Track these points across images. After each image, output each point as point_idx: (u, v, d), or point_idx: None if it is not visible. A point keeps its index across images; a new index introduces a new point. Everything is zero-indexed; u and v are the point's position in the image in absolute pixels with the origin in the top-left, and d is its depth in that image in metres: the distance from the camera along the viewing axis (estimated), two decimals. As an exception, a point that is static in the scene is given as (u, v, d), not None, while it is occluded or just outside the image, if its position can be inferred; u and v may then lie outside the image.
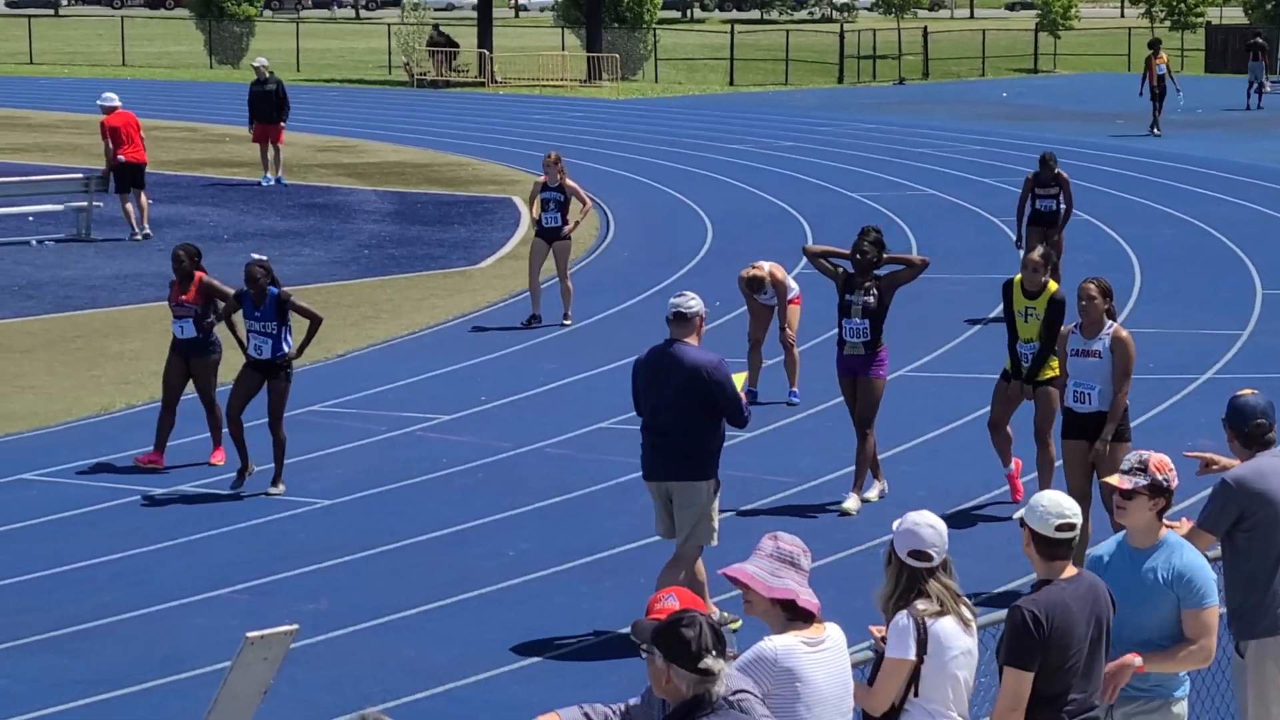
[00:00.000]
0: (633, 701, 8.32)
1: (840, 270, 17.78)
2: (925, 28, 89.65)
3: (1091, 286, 15.21)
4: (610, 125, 56.41)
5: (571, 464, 19.35)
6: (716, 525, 14.19)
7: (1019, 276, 17.19)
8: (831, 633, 8.41)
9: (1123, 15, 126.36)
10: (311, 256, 32.78)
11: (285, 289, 18.50)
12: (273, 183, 41.94)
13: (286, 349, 18.27)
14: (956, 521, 16.62)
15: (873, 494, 17.83)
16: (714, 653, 7.25)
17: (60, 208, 35.29)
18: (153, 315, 26.24)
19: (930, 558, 8.77)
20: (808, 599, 8.31)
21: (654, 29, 79.53)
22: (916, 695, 8.76)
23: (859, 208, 38.29)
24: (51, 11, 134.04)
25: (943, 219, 36.70)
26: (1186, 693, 9.77)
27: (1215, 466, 11.06)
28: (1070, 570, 8.98)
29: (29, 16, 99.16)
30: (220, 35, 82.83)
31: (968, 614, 8.84)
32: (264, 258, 18.65)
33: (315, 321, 18.47)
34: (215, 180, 43.33)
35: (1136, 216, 37.25)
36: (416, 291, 29.45)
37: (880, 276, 17.58)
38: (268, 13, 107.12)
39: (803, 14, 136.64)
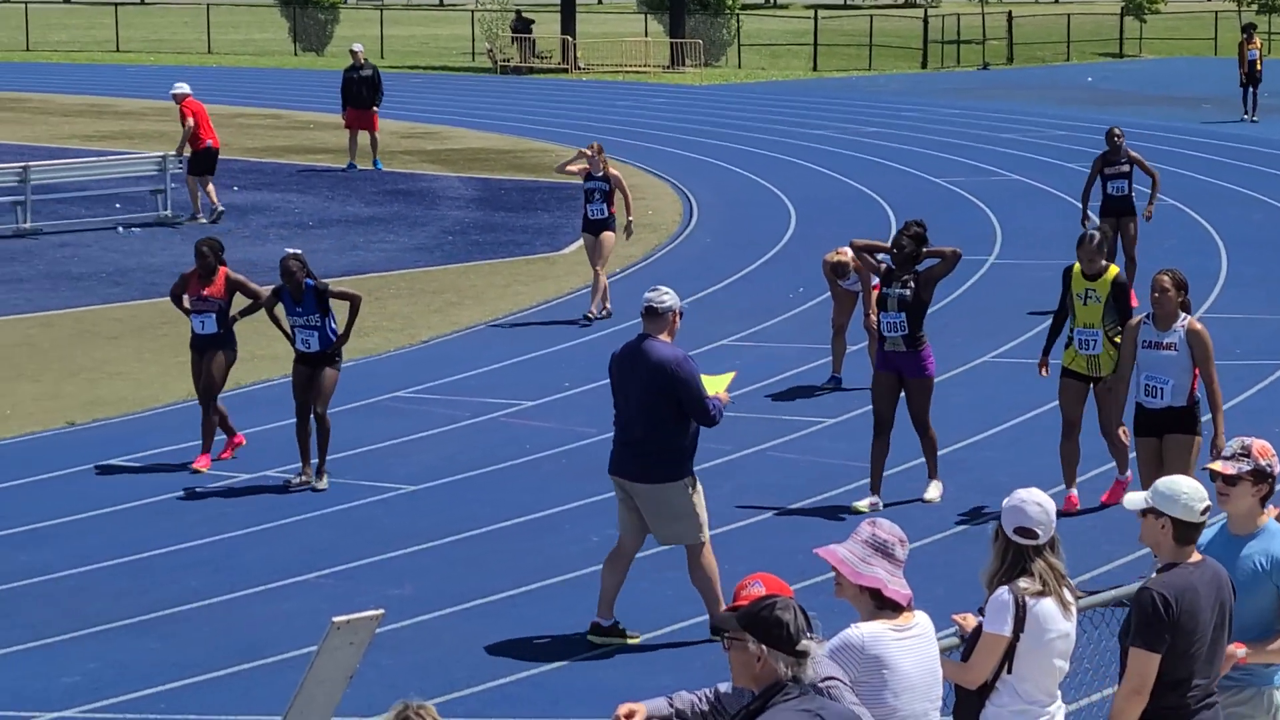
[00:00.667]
0: (723, 687, 8.30)
1: (882, 265, 17.60)
2: (1010, 12, 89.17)
3: (1165, 279, 14.95)
4: (693, 111, 56.36)
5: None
6: (703, 520, 13.88)
7: (1078, 265, 16.87)
8: (920, 620, 8.38)
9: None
10: (396, 243, 32.87)
11: (322, 279, 18.32)
12: (355, 169, 42.26)
13: (334, 338, 18.10)
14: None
15: (933, 493, 17.42)
16: (808, 633, 7.24)
17: (138, 190, 36.20)
18: (239, 303, 26.32)
19: (1036, 535, 8.75)
20: (895, 589, 8.26)
21: (737, 14, 79.35)
22: (1010, 673, 8.74)
23: (942, 193, 38.19)
24: (138, 0, 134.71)
25: (1026, 204, 36.55)
26: (1275, 680, 9.67)
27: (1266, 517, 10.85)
28: (1195, 556, 8.93)
29: (116, 4, 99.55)
30: (305, 22, 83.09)
31: (1069, 597, 8.81)
32: (298, 251, 18.43)
33: (355, 302, 18.22)
34: (300, 167, 43.49)
35: (1225, 201, 37.00)
36: (500, 277, 29.50)
37: (919, 271, 17.33)
38: (351, 0, 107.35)
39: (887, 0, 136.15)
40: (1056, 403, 17.44)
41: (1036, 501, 8.79)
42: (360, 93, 42.29)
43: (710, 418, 13.74)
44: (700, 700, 8.32)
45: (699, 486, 13.96)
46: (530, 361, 23.51)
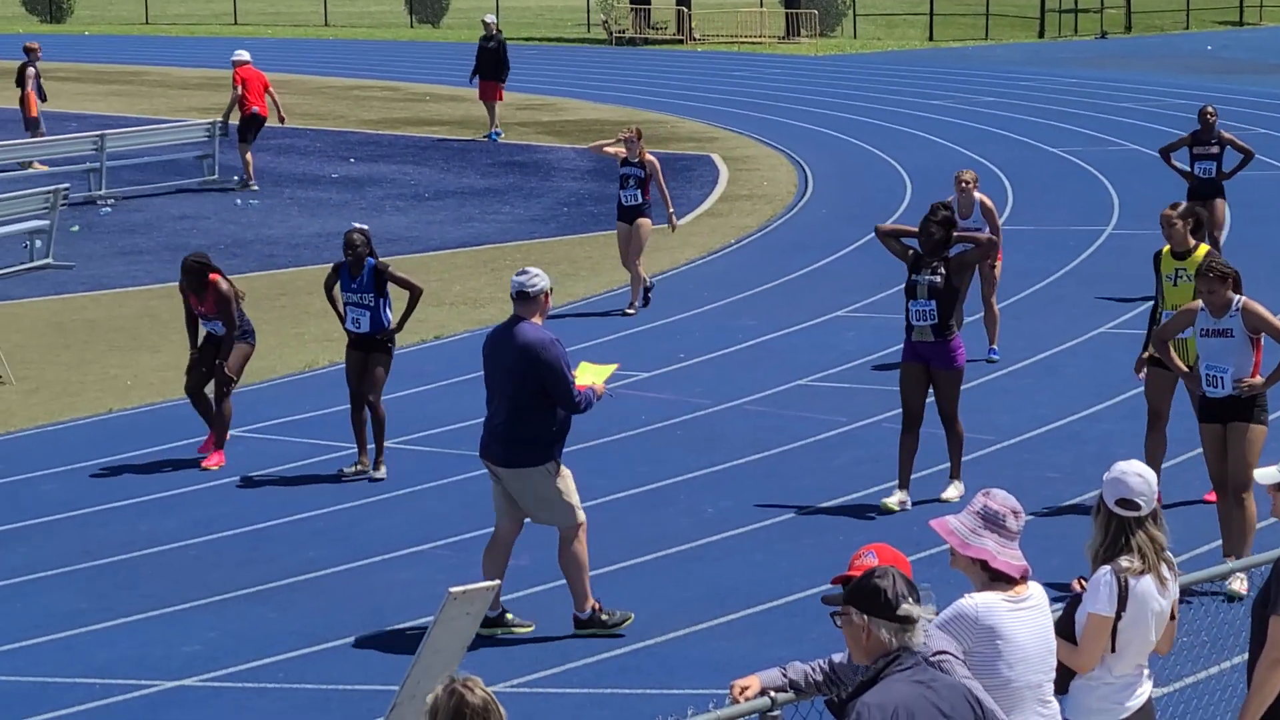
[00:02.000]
0: (837, 657, 8.31)
1: (910, 250, 16.72)
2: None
3: (1212, 276, 14.12)
4: (809, 82, 56.21)
5: (770, 421, 19.34)
6: (574, 504, 13.62)
7: (1166, 247, 16.01)
8: (1034, 591, 8.36)
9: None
10: (511, 214, 32.97)
11: (383, 260, 17.87)
12: (492, 138, 42.67)
13: (386, 323, 17.67)
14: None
15: (952, 493, 16.56)
16: (910, 599, 7.24)
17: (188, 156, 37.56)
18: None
19: (1138, 507, 8.71)
20: (1006, 561, 8.23)
21: (853, -16, 79.08)
22: (1112, 650, 8.72)
23: (1060, 163, 37.97)
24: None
25: (1144, 175, 36.25)
26: None
27: None
28: None
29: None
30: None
31: (1166, 572, 8.77)
32: (364, 226, 18.01)
33: (415, 294, 17.76)
34: (416, 139, 43.65)
35: (1344, 171, 36.66)
36: (614, 249, 29.51)
37: (950, 257, 16.56)
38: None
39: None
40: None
41: (1137, 473, 8.76)
42: (488, 64, 42.64)
43: (574, 404, 13.47)
44: (814, 671, 8.33)
45: (565, 471, 13.62)
46: (645, 333, 23.54)
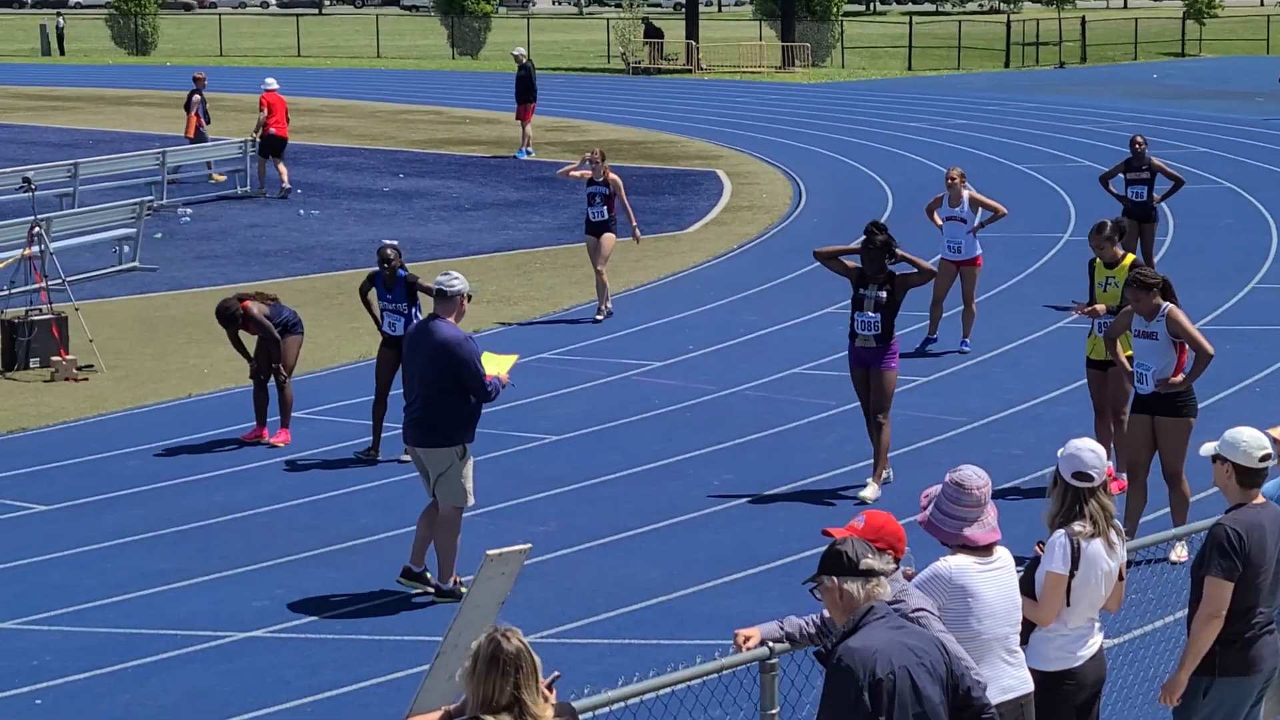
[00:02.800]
0: (828, 613, 8.31)
1: (853, 266, 16.37)
2: (1083, 16, 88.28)
3: (1136, 283, 13.99)
4: (802, 106, 56.14)
5: (769, 404, 19.34)
6: (469, 488, 13.54)
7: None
8: (1002, 554, 8.37)
9: (1262, 3, 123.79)
10: (541, 223, 32.97)
11: (412, 272, 17.61)
12: (519, 156, 42.84)
13: (417, 317, 17.30)
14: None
15: (869, 493, 15.90)
16: (870, 556, 7.26)
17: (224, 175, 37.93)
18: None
19: (1091, 478, 8.74)
20: (976, 533, 8.27)
21: (841, 21, 78.99)
22: (1067, 605, 8.73)
23: (1023, 178, 37.91)
24: (316, 10, 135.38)
25: (1098, 188, 36.11)
26: None
27: None
28: (1259, 499, 8.94)
29: (298, 15, 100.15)
30: (461, 30, 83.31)
31: (1114, 537, 8.81)
32: (395, 242, 17.73)
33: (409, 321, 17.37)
34: (457, 156, 43.64)
35: (1275, 184, 36.56)
36: (632, 253, 29.50)
37: (894, 275, 16.20)
38: (502, 9, 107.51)
39: (973, 5, 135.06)
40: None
41: (1090, 448, 8.80)
42: (519, 89, 42.94)
43: (486, 393, 13.45)
44: (807, 624, 8.35)
45: (469, 459, 13.58)
46: (658, 327, 23.53)
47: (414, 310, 17.40)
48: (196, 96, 38.87)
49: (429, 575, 13.71)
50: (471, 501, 13.69)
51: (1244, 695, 8.95)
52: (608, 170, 24.00)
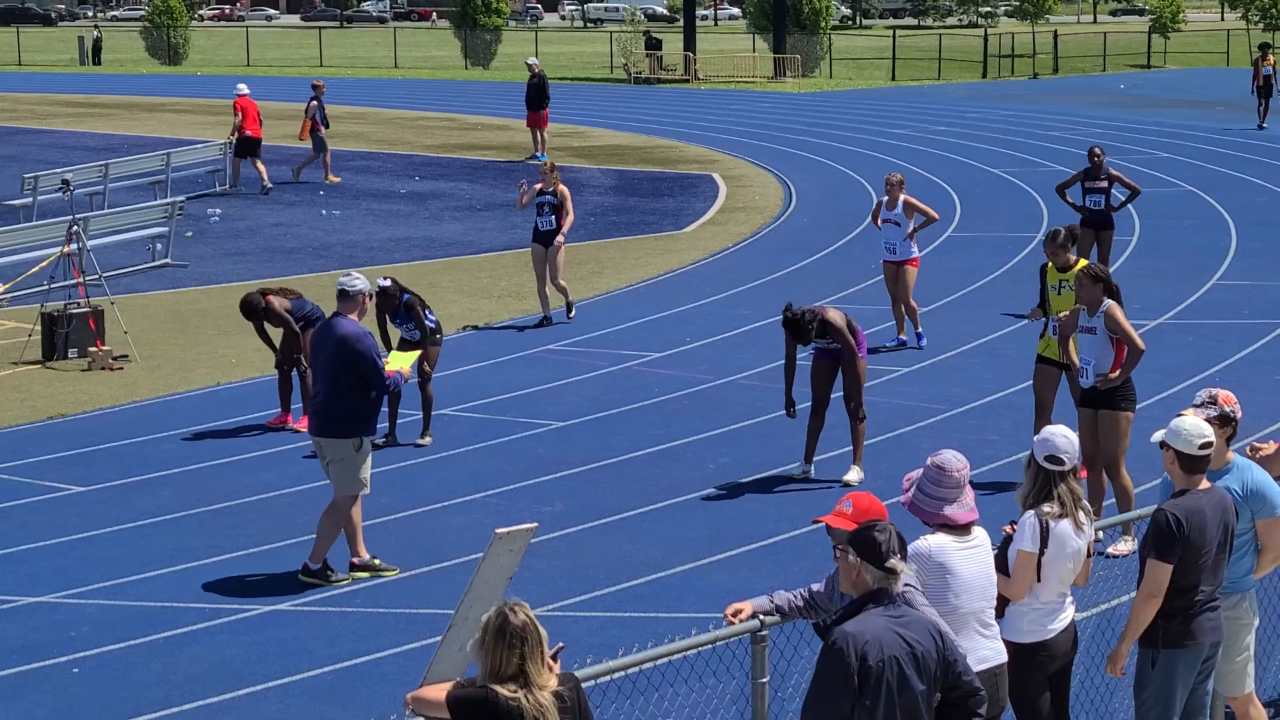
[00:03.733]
0: (816, 587, 8.31)
1: (792, 349, 15.92)
2: (1056, 31, 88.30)
3: (1083, 274, 13.85)
4: (793, 114, 56.09)
5: (762, 393, 19.31)
6: (364, 478, 13.51)
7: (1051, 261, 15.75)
8: (979, 534, 8.38)
9: (1223, 19, 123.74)
10: (548, 223, 32.91)
11: (414, 297, 17.40)
12: (539, 159, 42.85)
13: (431, 325, 17.42)
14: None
15: (853, 476, 15.78)
16: (898, 555, 7.26)
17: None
18: (419, 272, 26.48)
19: (1063, 462, 8.76)
20: (955, 514, 8.27)
21: (829, 34, 78.95)
22: (1038, 580, 8.74)
23: (999, 181, 37.88)
24: (338, 24, 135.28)
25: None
26: (1252, 588, 9.64)
27: (1262, 452, 10.68)
28: (1205, 484, 8.94)
29: (320, 28, 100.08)
30: (474, 42, 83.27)
31: (1083, 518, 8.83)
32: (388, 282, 17.36)
33: (424, 332, 17.29)
34: (470, 160, 43.60)
35: (1234, 187, 36.55)
36: (634, 251, 29.51)
37: (829, 327, 15.61)
38: (512, 23, 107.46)
39: (953, 20, 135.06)
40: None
41: (1063, 434, 8.86)
42: (532, 97, 42.92)
43: (384, 386, 13.53)
44: (796, 598, 8.34)
45: (365, 449, 13.54)
46: (658, 320, 23.51)
47: (430, 321, 17.43)
48: (314, 102, 38.61)
49: (330, 570, 13.51)
50: (366, 490, 13.64)
51: (1188, 666, 8.99)
52: (558, 181, 23.21)
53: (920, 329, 21.55)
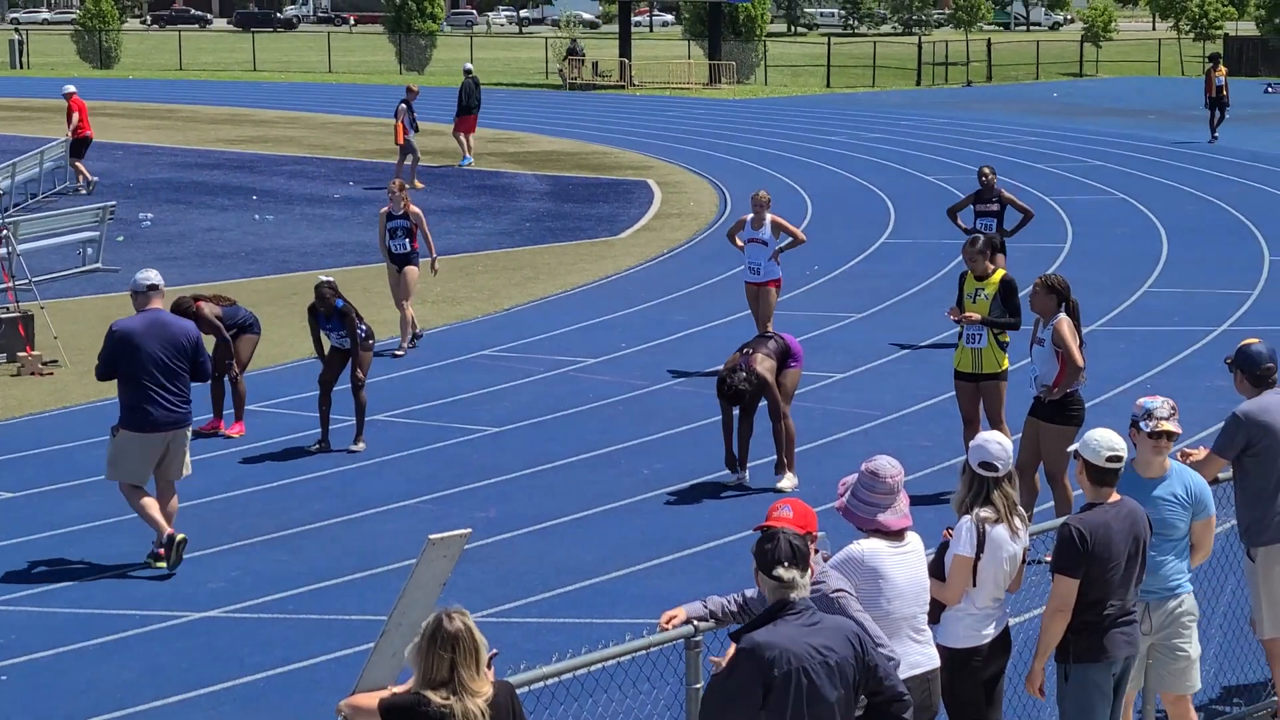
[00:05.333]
0: (749, 593, 8.31)
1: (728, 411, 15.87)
2: (989, 39, 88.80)
3: (1036, 283, 13.79)
4: (728, 121, 56.19)
5: (697, 398, 19.32)
6: (120, 465, 13.85)
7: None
8: (912, 539, 8.40)
9: (1154, 28, 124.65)
10: (483, 229, 32.89)
11: (348, 305, 17.25)
12: (463, 163, 42.89)
13: (362, 333, 17.18)
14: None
15: (786, 484, 15.73)
16: (786, 564, 7.23)
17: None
18: (353, 277, 26.39)
19: (997, 469, 8.78)
20: (888, 519, 8.30)
21: (764, 41, 79.13)
22: (974, 585, 8.77)
23: (933, 188, 38.03)
24: (271, 28, 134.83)
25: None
26: (1191, 588, 9.71)
27: (1192, 457, 10.76)
28: (1114, 496, 8.95)
29: (253, 32, 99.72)
30: (408, 47, 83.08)
31: (1018, 523, 8.86)
32: (331, 279, 17.35)
33: (354, 339, 17.11)
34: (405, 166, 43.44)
35: (1165, 195, 36.81)
36: (569, 257, 29.50)
37: (759, 380, 15.45)
38: (447, 28, 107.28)
39: (887, 28, 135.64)
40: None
41: (997, 441, 8.88)
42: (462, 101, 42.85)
43: (208, 373, 14.31)
44: (729, 603, 8.34)
45: (122, 438, 13.86)
46: (593, 326, 23.50)
47: (361, 328, 17.29)
48: (403, 105, 38.32)
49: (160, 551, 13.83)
50: (117, 477, 13.96)
51: (1100, 680, 8.96)
52: (408, 202, 21.96)
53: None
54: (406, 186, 22.57)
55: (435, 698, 6.68)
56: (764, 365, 15.61)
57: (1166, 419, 9.42)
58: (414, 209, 21.97)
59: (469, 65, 44.97)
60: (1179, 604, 9.56)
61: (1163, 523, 9.38)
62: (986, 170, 22.88)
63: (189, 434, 14.11)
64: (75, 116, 37.44)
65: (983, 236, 15.80)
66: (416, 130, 38.74)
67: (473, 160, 43.32)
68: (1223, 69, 48.31)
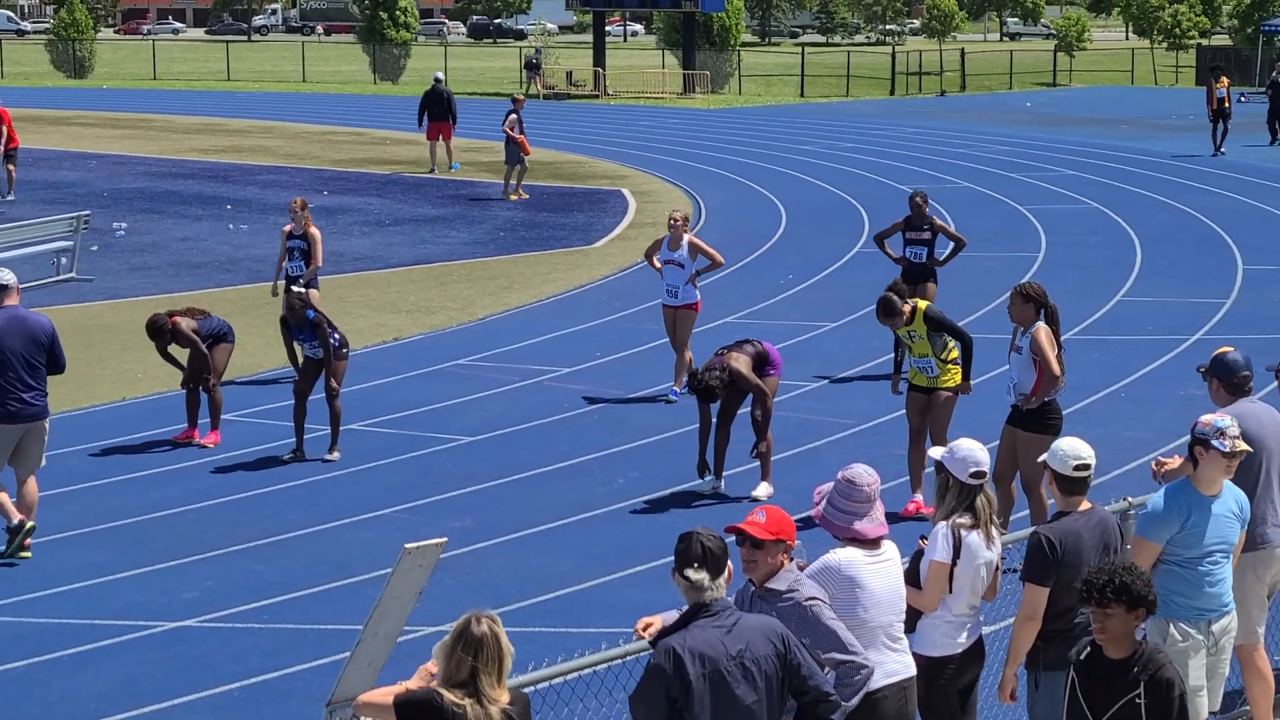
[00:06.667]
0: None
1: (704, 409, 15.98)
2: (963, 49, 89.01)
3: (1014, 291, 13.85)
4: (702, 130, 56.24)
5: (668, 408, 19.35)
6: None
7: None
8: (888, 548, 8.41)
9: (1127, 38, 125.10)
10: (458, 238, 32.87)
11: (319, 315, 17.28)
12: (450, 168, 43.08)
13: (335, 342, 17.22)
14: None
15: (761, 492, 15.78)
16: (696, 565, 7.24)
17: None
18: (328, 286, 26.34)
19: (985, 474, 8.88)
20: (865, 528, 8.30)
21: (738, 50, 79.24)
22: (950, 591, 8.78)
23: (907, 199, 38.06)
24: (245, 37, 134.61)
25: (977, 207, 36.46)
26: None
27: (1167, 466, 10.77)
28: (1085, 505, 8.97)
29: (227, 42, 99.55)
30: (382, 56, 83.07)
31: (994, 531, 8.89)
32: (302, 291, 17.25)
33: (328, 351, 17.15)
34: (378, 175, 43.46)
35: (1138, 204, 36.92)
36: (543, 267, 29.49)
37: (731, 379, 15.52)
38: (420, 38, 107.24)
39: (860, 37, 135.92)
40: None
41: (979, 447, 8.95)
42: (435, 109, 42.86)
43: (64, 366, 14.76)
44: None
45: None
46: (567, 335, 23.50)
47: (333, 337, 17.29)
48: (513, 115, 38.19)
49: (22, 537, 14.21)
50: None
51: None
52: (309, 221, 20.90)
53: (680, 384, 19.67)
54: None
55: (450, 696, 6.78)
56: (739, 361, 15.63)
57: (1239, 435, 9.38)
58: (314, 230, 20.94)
59: (439, 74, 45.07)
60: (1231, 619, 9.53)
61: (1224, 539, 9.36)
62: (918, 196, 21.52)
63: (46, 425, 14.51)
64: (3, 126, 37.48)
65: (879, 303, 15.23)
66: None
67: (459, 166, 43.65)
68: (1225, 80, 47.52)
